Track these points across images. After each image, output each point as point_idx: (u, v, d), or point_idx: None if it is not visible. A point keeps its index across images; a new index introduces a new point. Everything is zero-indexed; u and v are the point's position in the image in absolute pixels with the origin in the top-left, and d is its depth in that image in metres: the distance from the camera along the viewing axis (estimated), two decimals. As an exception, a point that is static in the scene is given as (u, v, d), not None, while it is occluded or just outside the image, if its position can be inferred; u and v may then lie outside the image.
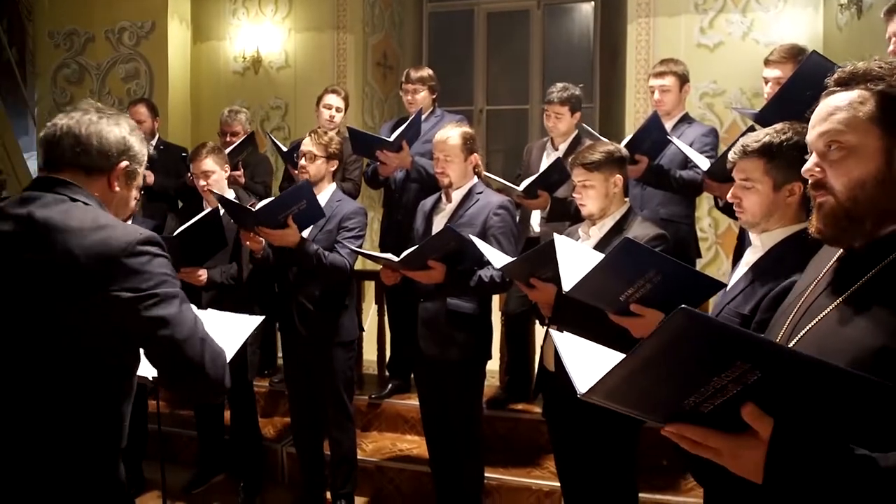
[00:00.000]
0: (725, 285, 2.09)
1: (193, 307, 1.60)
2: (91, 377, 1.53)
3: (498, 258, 2.75)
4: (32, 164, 6.78)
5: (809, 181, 1.23)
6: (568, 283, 2.20)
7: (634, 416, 1.11)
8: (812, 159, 1.23)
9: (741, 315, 1.87)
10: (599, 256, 2.26)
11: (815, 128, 1.22)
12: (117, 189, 1.66)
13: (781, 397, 1.01)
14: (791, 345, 1.20)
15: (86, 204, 1.57)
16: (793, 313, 1.28)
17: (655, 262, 2.04)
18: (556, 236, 2.49)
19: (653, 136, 3.32)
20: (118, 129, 1.64)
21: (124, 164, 1.65)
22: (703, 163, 3.14)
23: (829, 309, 1.19)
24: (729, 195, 2.00)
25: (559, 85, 3.86)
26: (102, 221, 1.53)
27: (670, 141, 3.30)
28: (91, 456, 1.56)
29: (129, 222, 3.71)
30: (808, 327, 1.21)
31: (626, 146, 3.02)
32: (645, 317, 2.09)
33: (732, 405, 1.02)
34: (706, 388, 1.00)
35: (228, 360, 1.63)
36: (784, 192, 1.89)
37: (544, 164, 3.80)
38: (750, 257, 1.99)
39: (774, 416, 1.03)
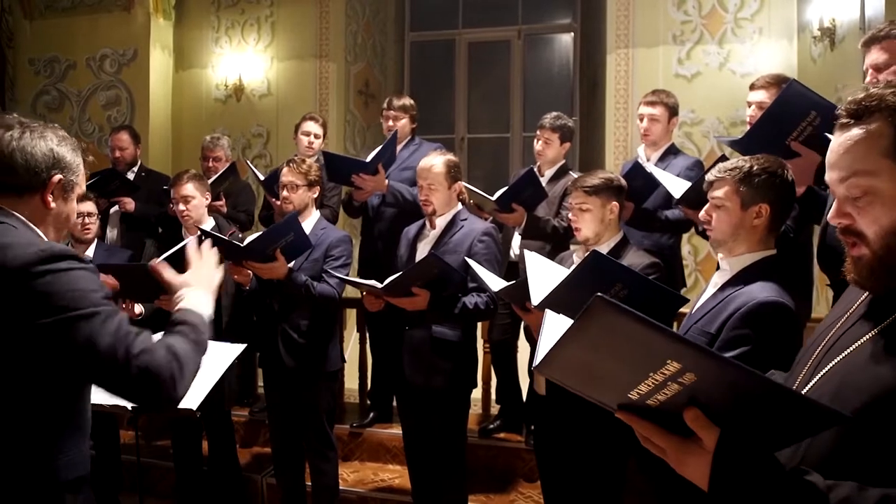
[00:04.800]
0: (688, 300, 2.18)
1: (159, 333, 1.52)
2: (21, 408, 1.43)
3: (494, 282, 2.75)
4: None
5: (838, 228, 1.14)
6: (536, 297, 2.22)
7: (590, 400, 1.09)
8: (834, 206, 1.13)
9: (708, 334, 1.95)
10: (567, 272, 2.29)
11: (833, 170, 1.12)
12: (53, 205, 1.55)
13: (725, 406, 1.00)
14: (816, 378, 1.14)
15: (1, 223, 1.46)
16: (821, 345, 1.20)
17: (622, 275, 2.08)
18: (525, 252, 2.50)
19: (637, 181, 3.28)
20: (44, 143, 1.52)
21: (57, 177, 1.54)
22: (677, 190, 3.15)
23: (860, 342, 1.11)
24: (702, 213, 2.09)
25: (554, 113, 3.96)
26: (6, 241, 1.41)
27: (657, 185, 3.25)
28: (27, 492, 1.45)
29: (92, 250, 3.74)
30: (836, 360, 1.13)
31: None
32: None
33: (678, 405, 1.01)
34: (646, 383, 0.99)
35: (209, 387, 1.57)
36: (751, 212, 1.99)
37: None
38: (718, 279, 2.08)
39: (721, 426, 1.01)
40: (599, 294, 0.94)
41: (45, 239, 1.55)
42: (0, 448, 1.43)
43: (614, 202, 2.72)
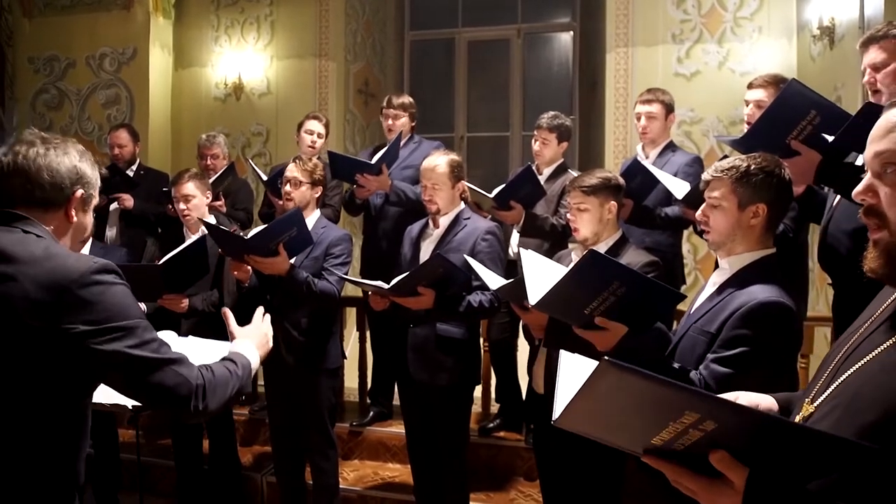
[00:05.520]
0: (685, 296, 2.17)
1: (171, 334, 1.57)
2: (39, 414, 1.48)
3: (493, 280, 2.75)
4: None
5: (862, 206, 1.10)
6: (534, 297, 2.22)
7: (614, 447, 1.09)
8: (865, 181, 1.09)
9: (708, 333, 1.94)
10: (565, 271, 2.29)
11: (872, 145, 1.08)
12: (75, 219, 1.60)
13: (751, 447, 0.99)
14: (833, 387, 1.10)
15: (38, 237, 1.51)
16: (843, 350, 1.15)
17: (619, 273, 2.08)
18: (522, 251, 2.49)
19: (637, 179, 3.28)
20: (68, 159, 1.57)
21: (80, 192, 1.59)
22: (679, 191, 3.15)
23: (878, 350, 1.07)
24: (699, 213, 2.08)
25: (551, 112, 3.95)
26: (54, 251, 1.48)
27: (657, 183, 3.25)
28: (42, 495, 1.50)
29: (88, 248, 3.74)
30: (853, 369, 1.08)
31: None
32: (609, 330, 2.11)
33: (704, 447, 1.00)
34: (668, 431, 0.99)
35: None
36: (748, 212, 1.98)
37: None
38: (717, 279, 2.07)
39: (750, 465, 0.99)
40: (607, 357, 0.95)
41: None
42: (31, 455, 1.48)
43: (612, 201, 2.69)
